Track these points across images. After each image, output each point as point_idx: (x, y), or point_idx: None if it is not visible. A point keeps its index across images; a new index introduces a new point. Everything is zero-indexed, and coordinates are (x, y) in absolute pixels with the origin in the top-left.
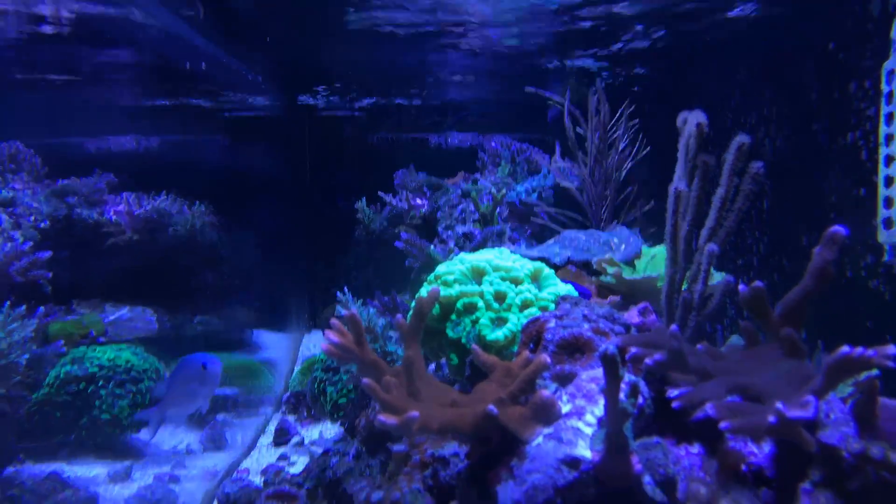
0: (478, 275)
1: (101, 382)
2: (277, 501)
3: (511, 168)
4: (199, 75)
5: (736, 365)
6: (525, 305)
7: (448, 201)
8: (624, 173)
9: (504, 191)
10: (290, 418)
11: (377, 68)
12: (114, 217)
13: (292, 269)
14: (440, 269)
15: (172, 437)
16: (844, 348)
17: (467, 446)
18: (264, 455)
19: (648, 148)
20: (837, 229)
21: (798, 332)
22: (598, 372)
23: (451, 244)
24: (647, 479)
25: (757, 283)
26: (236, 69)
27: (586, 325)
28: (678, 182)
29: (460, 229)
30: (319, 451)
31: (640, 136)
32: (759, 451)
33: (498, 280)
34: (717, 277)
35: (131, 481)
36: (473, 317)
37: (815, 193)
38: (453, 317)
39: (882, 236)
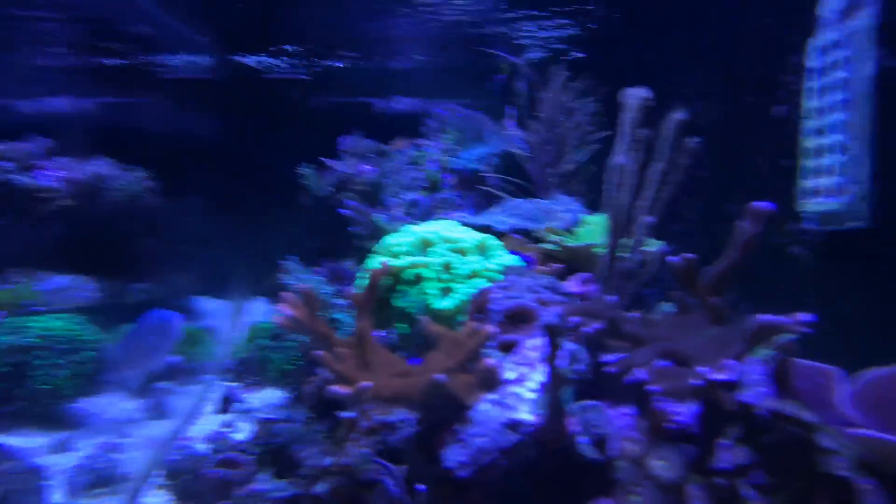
0: (426, 246)
1: (39, 353)
2: (224, 468)
3: (457, 135)
4: (138, 35)
5: (666, 331)
6: (472, 275)
7: (394, 168)
8: (575, 142)
9: (450, 158)
10: (235, 385)
11: (321, 30)
12: (51, 183)
13: (235, 236)
14: (389, 240)
15: (113, 406)
16: (761, 316)
17: (416, 413)
18: (208, 423)
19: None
20: (763, 205)
21: (723, 301)
22: (540, 341)
23: (398, 211)
24: (583, 439)
25: (688, 255)
26: (176, 29)
27: (530, 296)
28: (618, 156)
29: (407, 196)
30: (265, 417)
31: (591, 108)
32: (684, 411)
33: (446, 251)
34: (656, 245)
35: (74, 451)
36: (422, 287)
37: (748, 164)
38: (402, 287)
39: (803, 205)
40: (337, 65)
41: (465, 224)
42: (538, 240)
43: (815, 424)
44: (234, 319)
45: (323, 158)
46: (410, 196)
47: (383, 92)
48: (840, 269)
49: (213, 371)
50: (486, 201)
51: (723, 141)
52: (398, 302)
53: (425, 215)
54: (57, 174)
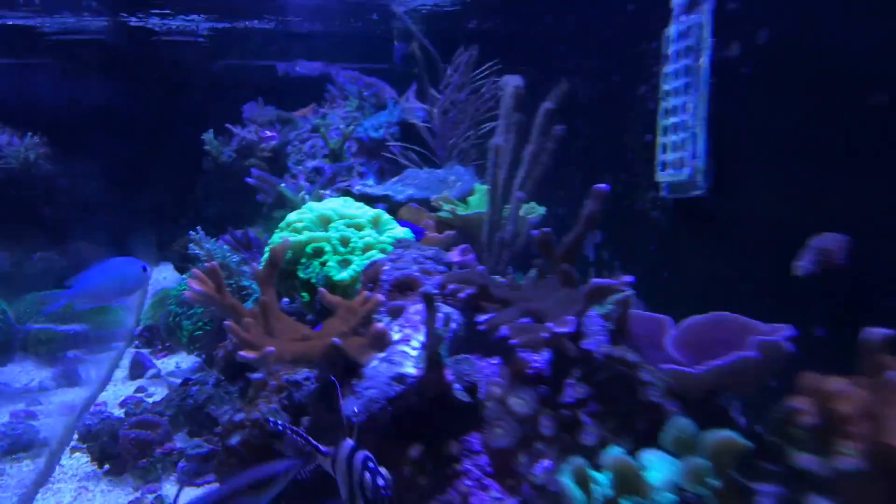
0: (325, 222)
1: None
2: (140, 430)
3: (359, 103)
4: None
5: (528, 293)
6: (367, 248)
7: (298, 136)
8: (472, 117)
9: (352, 127)
10: (145, 352)
11: None
12: None
13: (137, 202)
14: (291, 216)
15: (24, 374)
16: (594, 280)
17: (317, 371)
18: (121, 388)
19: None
20: (601, 187)
21: (572, 267)
22: (422, 306)
23: (302, 180)
24: (456, 386)
25: (545, 229)
26: None
27: (415, 267)
28: (497, 137)
29: (310, 164)
30: (177, 381)
31: (485, 81)
32: (539, 359)
33: (343, 227)
34: (539, 211)
35: None
36: (322, 259)
37: (617, 137)
38: (304, 260)
39: (659, 176)
40: (237, 26)
41: (365, 194)
42: (434, 208)
43: (637, 363)
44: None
45: (226, 124)
46: (314, 164)
47: (286, 55)
48: (685, 230)
49: (121, 338)
50: (387, 169)
51: (599, 116)
52: (301, 273)
53: (328, 183)
54: None
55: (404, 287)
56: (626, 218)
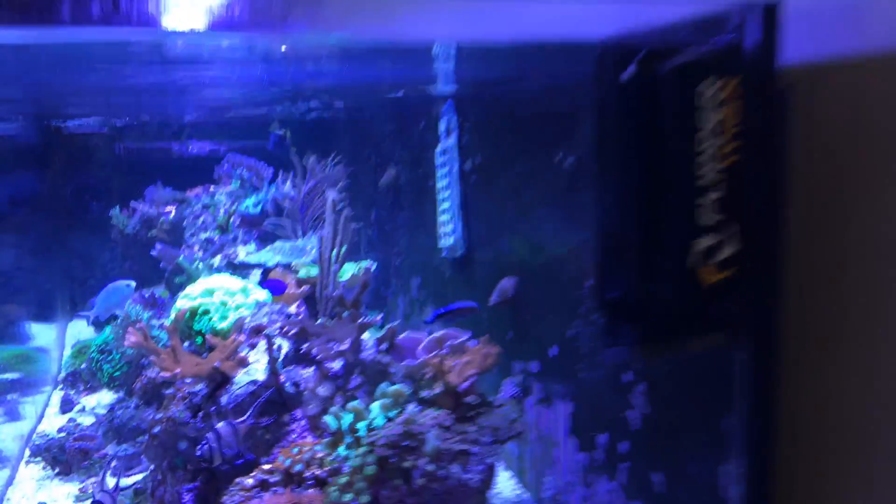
0: (210, 292)
1: None
2: (82, 442)
3: (241, 182)
4: None
5: (332, 329)
6: (238, 309)
7: (192, 212)
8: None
9: (235, 205)
10: (70, 392)
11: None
12: None
13: (52, 267)
14: (188, 289)
15: None
16: (360, 321)
17: (205, 383)
18: (55, 421)
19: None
20: (368, 266)
21: (357, 312)
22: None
23: (196, 250)
24: (288, 384)
25: (339, 291)
26: None
27: (265, 319)
28: (324, 230)
29: (203, 236)
30: (102, 412)
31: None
32: (336, 366)
33: (222, 294)
34: (365, 264)
35: None
36: (209, 316)
37: (420, 213)
38: (197, 317)
39: (441, 242)
40: (135, 122)
41: (245, 263)
42: (295, 270)
43: (388, 363)
44: (58, 339)
45: (130, 202)
46: (206, 235)
47: (178, 137)
48: (458, 276)
49: (48, 383)
50: (265, 237)
51: (405, 196)
52: (195, 325)
53: (219, 250)
54: None
55: (258, 330)
56: (427, 270)
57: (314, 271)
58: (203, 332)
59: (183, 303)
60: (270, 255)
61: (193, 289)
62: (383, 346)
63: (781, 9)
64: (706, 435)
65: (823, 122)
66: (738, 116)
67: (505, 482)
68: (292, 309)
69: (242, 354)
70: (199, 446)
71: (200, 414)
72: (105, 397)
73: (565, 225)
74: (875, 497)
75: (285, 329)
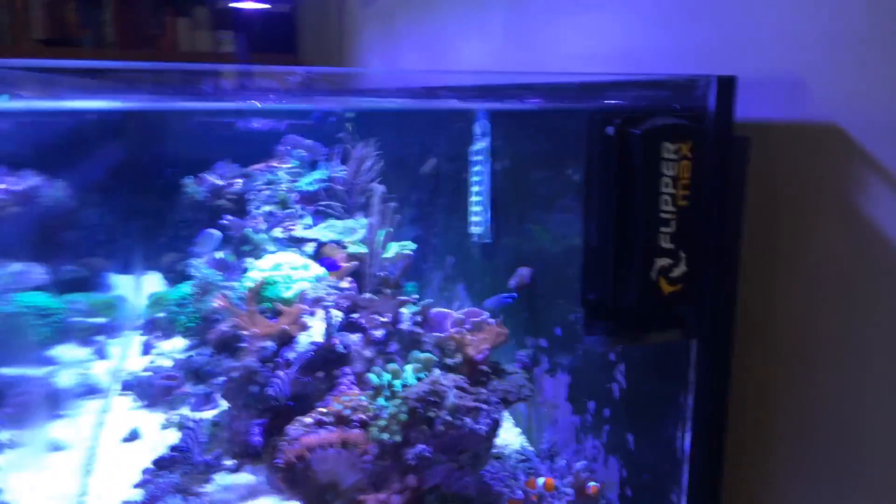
0: (278, 266)
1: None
2: (167, 381)
3: (299, 162)
4: None
5: (376, 304)
6: (300, 280)
7: (255, 186)
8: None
9: (294, 182)
10: (149, 337)
11: None
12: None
13: (131, 226)
14: (260, 263)
15: (71, 351)
16: (400, 297)
17: (274, 341)
18: (137, 361)
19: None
20: (410, 253)
21: (399, 290)
22: (324, 311)
23: (260, 221)
24: (339, 346)
25: (384, 273)
26: None
27: (323, 292)
28: (372, 217)
29: (265, 209)
30: (179, 356)
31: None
32: (377, 333)
33: (288, 269)
34: (411, 246)
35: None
36: (277, 287)
37: (454, 200)
38: (267, 287)
39: (471, 230)
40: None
41: (301, 238)
42: (345, 247)
43: (421, 333)
44: (137, 289)
45: (200, 174)
46: (268, 209)
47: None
48: (485, 260)
49: (129, 328)
50: (318, 214)
51: (442, 184)
52: (266, 293)
53: (278, 223)
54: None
55: (317, 301)
56: (458, 252)
57: (362, 249)
58: (273, 298)
59: (255, 274)
60: (324, 233)
61: (264, 263)
62: (418, 319)
63: (735, 82)
64: (669, 407)
65: (768, 172)
66: (689, 171)
67: (514, 437)
68: (344, 284)
69: (304, 320)
70: (271, 385)
71: (269, 365)
72: (179, 343)
73: (571, 228)
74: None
75: (339, 302)
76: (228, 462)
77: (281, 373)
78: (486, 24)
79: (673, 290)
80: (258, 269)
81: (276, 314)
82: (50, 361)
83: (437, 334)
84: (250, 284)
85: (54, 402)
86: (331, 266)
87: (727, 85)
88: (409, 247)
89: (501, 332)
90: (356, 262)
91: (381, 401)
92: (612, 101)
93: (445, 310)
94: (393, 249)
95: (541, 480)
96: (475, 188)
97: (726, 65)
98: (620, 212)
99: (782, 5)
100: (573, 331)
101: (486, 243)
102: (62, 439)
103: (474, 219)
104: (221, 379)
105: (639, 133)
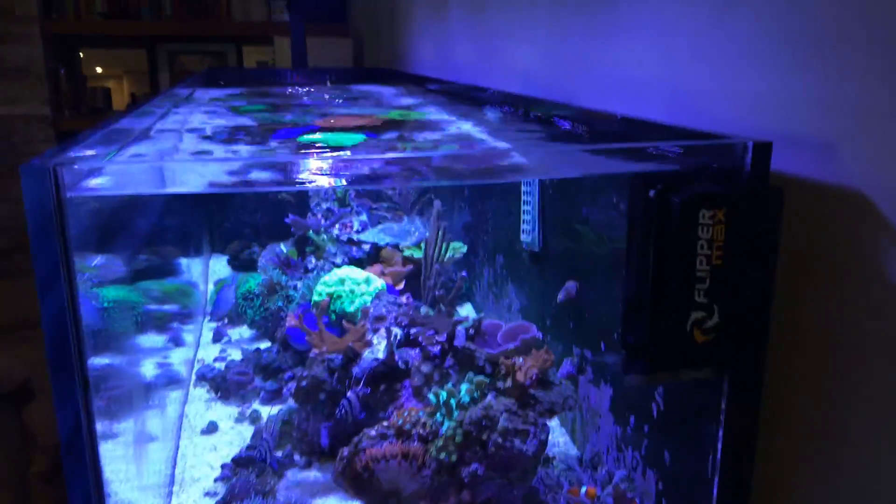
0: (342, 282)
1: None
2: (239, 377)
3: None
4: None
5: (433, 320)
6: (362, 294)
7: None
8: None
9: None
10: (220, 324)
11: None
12: None
13: (197, 213)
14: (326, 277)
15: (148, 339)
16: (456, 318)
17: (341, 356)
18: (210, 349)
19: None
20: (464, 273)
21: (452, 308)
22: (385, 330)
23: (320, 217)
24: (399, 362)
25: (439, 291)
26: None
27: (384, 309)
28: (428, 235)
29: (325, 206)
30: (247, 347)
31: None
32: (435, 349)
33: (351, 283)
34: (462, 249)
35: None
36: (341, 301)
37: (505, 207)
38: (334, 301)
39: (522, 238)
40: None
41: (359, 240)
42: (401, 250)
43: (474, 349)
44: (203, 274)
45: None
46: (327, 206)
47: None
48: (533, 267)
49: (199, 314)
50: (373, 211)
51: (495, 189)
52: (332, 307)
53: (337, 220)
54: None
55: (379, 318)
56: (509, 256)
57: (417, 253)
58: (337, 312)
59: (322, 288)
60: (381, 236)
61: (329, 278)
62: (471, 332)
63: (770, 148)
64: (702, 429)
65: (797, 225)
66: (723, 233)
67: (559, 437)
68: (399, 285)
69: (368, 337)
70: (338, 409)
71: (336, 376)
72: (247, 333)
73: (615, 255)
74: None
75: (398, 319)
76: (298, 459)
77: (351, 395)
78: (532, 29)
79: (706, 339)
80: (324, 284)
81: (340, 325)
82: (134, 353)
83: (489, 351)
84: (318, 300)
85: (142, 393)
86: (309, 322)
87: (763, 149)
88: (460, 249)
89: (548, 357)
90: (411, 266)
91: (437, 417)
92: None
93: (497, 321)
94: (448, 252)
95: (583, 489)
96: (525, 197)
97: (766, 116)
98: (658, 267)
99: (817, 70)
100: (615, 348)
101: (534, 251)
102: (150, 430)
103: (525, 226)
104: (288, 374)
105: (678, 201)
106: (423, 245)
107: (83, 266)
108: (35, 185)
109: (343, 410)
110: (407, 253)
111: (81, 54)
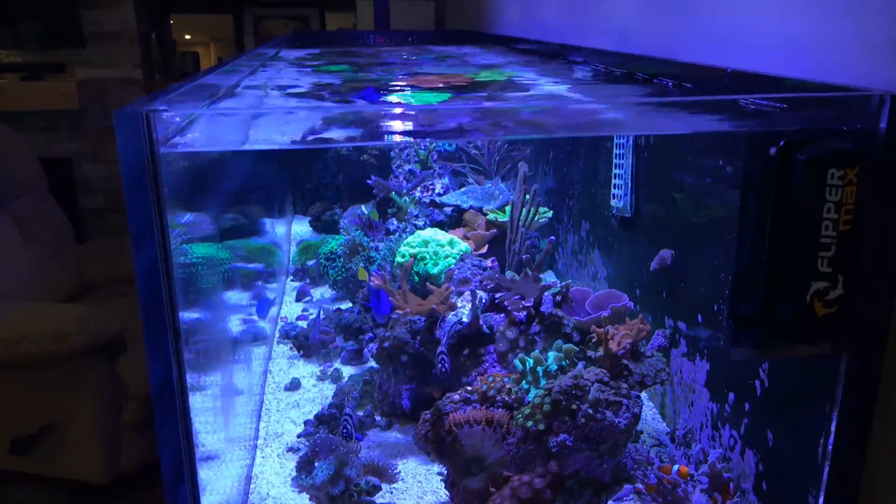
0: (425, 243)
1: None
2: (323, 336)
3: None
4: None
5: (519, 284)
6: (446, 257)
7: (397, 145)
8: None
9: (434, 143)
10: (300, 284)
11: None
12: None
13: (283, 171)
14: (409, 239)
15: (235, 297)
16: (544, 283)
17: (424, 318)
18: (292, 308)
19: None
20: (552, 238)
21: (538, 273)
22: (470, 292)
23: (402, 179)
24: (484, 327)
25: (524, 256)
26: None
27: (468, 272)
28: (514, 197)
29: (406, 167)
30: (327, 307)
31: None
32: (521, 314)
33: (434, 246)
34: (548, 214)
35: None
36: (424, 262)
37: (594, 169)
38: (417, 262)
39: (611, 203)
40: None
41: (442, 202)
42: (484, 213)
43: (562, 316)
44: (287, 235)
45: None
46: (409, 167)
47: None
48: (623, 233)
49: (282, 273)
50: (456, 174)
51: (583, 149)
52: (415, 268)
53: (420, 182)
54: None
55: (463, 282)
56: (598, 221)
57: (501, 217)
58: (420, 273)
59: (406, 249)
60: (464, 199)
61: (413, 239)
62: (558, 298)
63: None
64: (813, 410)
65: None
66: (853, 196)
67: (647, 411)
68: (482, 249)
69: (452, 300)
70: (438, 364)
71: (419, 338)
72: (326, 293)
73: (717, 221)
74: None
75: (484, 283)
76: (379, 420)
77: (444, 350)
78: None
79: (827, 312)
80: (407, 245)
81: (422, 287)
82: (222, 309)
83: (578, 319)
84: (401, 261)
85: (229, 348)
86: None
87: None
88: (545, 214)
89: (643, 327)
90: (495, 231)
91: (524, 384)
92: (768, 99)
93: (585, 288)
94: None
95: (675, 467)
96: (617, 160)
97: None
98: (777, 233)
99: None
100: (715, 320)
101: (625, 217)
102: (236, 384)
103: (615, 191)
104: (369, 335)
105: (804, 159)
106: (506, 209)
107: (173, 222)
108: (129, 132)
109: (443, 367)
110: (491, 217)
111: (172, 20)
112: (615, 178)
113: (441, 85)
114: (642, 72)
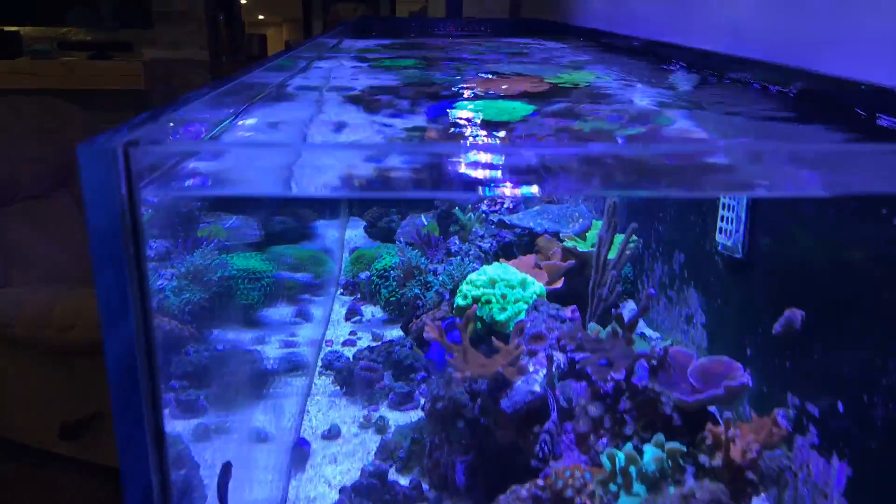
0: (492, 282)
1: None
2: (367, 373)
3: None
4: None
5: (604, 345)
6: (516, 300)
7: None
8: None
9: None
10: (350, 299)
11: None
12: None
13: None
14: (472, 276)
15: (278, 312)
16: (639, 351)
17: (488, 381)
18: (340, 329)
19: None
20: (646, 304)
21: (631, 334)
22: (544, 353)
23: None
24: (561, 398)
25: (620, 312)
26: None
27: (543, 325)
28: (601, 231)
29: None
30: (378, 331)
31: None
32: (606, 386)
33: (503, 287)
34: (623, 237)
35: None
36: (489, 306)
37: (699, 220)
38: (479, 304)
39: (717, 239)
40: None
41: (512, 223)
42: (561, 239)
43: (660, 391)
44: (339, 240)
45: None
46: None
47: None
48: (731, 278)
49: (332, 286)
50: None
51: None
52: (478, 313)
53: (490, 202)
54: None
55: (537, 338)
56: (698, 259)
57: (581, 245)
58: (484, 318)
59: (469, 289)
60: (538, 220)
61: (478, 276)
62: (653, 363)
63: None
64: None
65: None
66: None
67: None
68: (556, 283)
69: (523, 363)
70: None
71: (479, 403)
72: (379, 313)
73: (873, 282)
74: None
75: (561, 341)
76: (427, 491)
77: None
78: None
79: None
80: (469, 284)
81: (485, 337)
82: (258, 330)
83: (680, 397)
84: (462, 303)
85: (261, 379)
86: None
87: None
88: (631, 242)
89: (778, 431)
90: (572, 262)
91: (612, 487)
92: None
93: (686, 350)
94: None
95: None
96: (725, 210)
97: None
98: None
99: None
100: (864, 412)
101: (734, 258)
102: (265, 426)
103: (723, 225)
104: (421, 374)
105: None
106: (587, 234)
107: (217, 229)
108: (98, 176)
109: (546, 447)
110: (569, 244)
111: (242, 0)
112: (723, 208)
113: (518, 91)
114: (765, 81)
